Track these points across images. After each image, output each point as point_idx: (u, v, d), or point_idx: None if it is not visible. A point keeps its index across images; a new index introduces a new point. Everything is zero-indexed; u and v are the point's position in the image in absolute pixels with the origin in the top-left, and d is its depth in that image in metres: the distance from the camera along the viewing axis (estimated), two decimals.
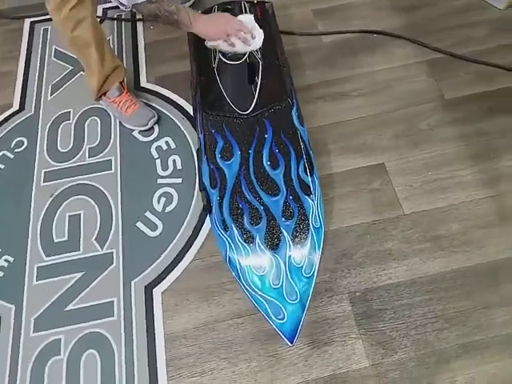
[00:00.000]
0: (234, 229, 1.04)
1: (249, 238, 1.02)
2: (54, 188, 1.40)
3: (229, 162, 1.11)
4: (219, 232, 1.04)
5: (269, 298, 0.97)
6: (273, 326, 0.95)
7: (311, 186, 1.07)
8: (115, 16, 1.76)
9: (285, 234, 1.02)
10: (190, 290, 1.22)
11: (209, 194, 1.09)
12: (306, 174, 1.08)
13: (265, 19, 1.30)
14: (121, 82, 1.45)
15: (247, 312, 1.18)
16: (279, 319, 0.95)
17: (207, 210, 1.09)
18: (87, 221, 1.33)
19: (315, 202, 1.05)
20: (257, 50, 1.21)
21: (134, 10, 1.11)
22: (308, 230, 1.02)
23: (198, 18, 1.11)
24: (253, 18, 1.14)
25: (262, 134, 1.12)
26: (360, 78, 1.50)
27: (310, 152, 1.12)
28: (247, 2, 1.34)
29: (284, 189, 1.06)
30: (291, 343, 0.93)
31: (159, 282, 1.24)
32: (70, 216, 1.35)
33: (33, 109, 1.56)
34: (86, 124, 1.51)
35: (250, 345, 1.14)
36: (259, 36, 1.13)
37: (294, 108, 1.17)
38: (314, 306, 1.15)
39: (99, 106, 1.53)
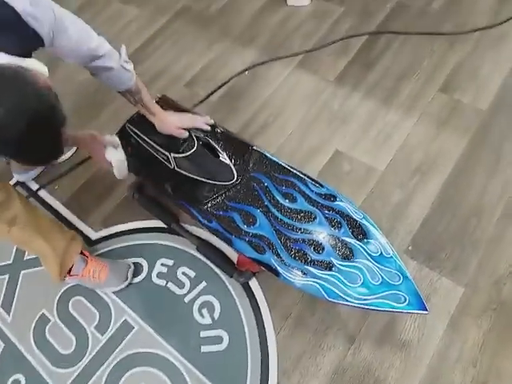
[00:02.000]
0: (310, 268, 1.07)
1: (328, 266, 1.07)
2: None
3: (257, 224, 1.14)
4: (301, 281, 1.06)
5: (382, 294, 1.03)
6: (404, 311, 1.01)
7: (330, 193, 1.17)
8: None
9: (348, 240, 1.10)
10: (298, 358, 1.20)
11: (264, 260, 1.10)
12: (318, 187, 1.18)
13: (170, 105, 1.36)
14: (82, 251, 1.34)
15: (355, 332, 1.21)
16: (403, 303, 1.02)
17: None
18: None
19: (344, 202, 1.16)
20: (198, 131, 1.27)
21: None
22: (359, 224, 1.12)
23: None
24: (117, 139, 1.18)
25: (262, 185, 1.19)
26: (264, 107, 1.68)
27: (302, 171, 1.22)
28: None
29: (316, 209, 1.15)
30: (427, 311, 1.01)
31: (267, 377, 1.18)
32: None
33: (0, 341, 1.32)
34: (72, 310, 1.35)
35: (381, 353, 1.18)
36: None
37: (262, 150, 1.26)
38: None
39: (68, 284, 1.38)
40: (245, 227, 1.14)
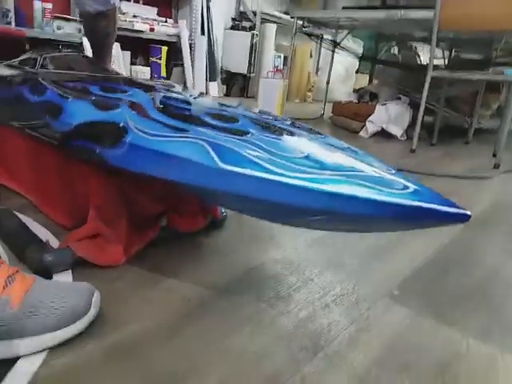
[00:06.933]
0: (199, 128, 0.53)
1: (239, 132, 0.53)
2: None
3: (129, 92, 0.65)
4: (167, 139, 0.50)
5: (353, 173, 0.46)
6: (409, 203, 0.42)
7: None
8: None
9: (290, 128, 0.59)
10: None
11: (108, 120, 0.56)
12: None
13: None
14: None
15: None
16: (402, 190, 0.44)
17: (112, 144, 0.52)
18: None
19: None
20: None
21: None
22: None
23: None
24: None
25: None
26: None
27: None
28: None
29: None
30: (468, 215, 0.42)
31: None
32: None
33: None
34: None
35: None
36: None
37: None
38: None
39: None
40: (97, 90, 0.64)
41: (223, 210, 0.89)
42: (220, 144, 0.47)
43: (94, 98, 0.61)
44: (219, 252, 0.81)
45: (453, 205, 0.41)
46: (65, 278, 0.65)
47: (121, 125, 0.53)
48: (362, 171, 0.45)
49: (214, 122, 0.54)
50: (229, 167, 0.44)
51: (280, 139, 0.51)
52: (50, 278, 0.63)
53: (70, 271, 0.66)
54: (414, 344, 0.59)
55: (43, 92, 0.68)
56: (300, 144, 0.51)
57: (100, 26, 0.96)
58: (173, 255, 0.75)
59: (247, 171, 0.43)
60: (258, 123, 0.56)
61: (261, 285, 0.70)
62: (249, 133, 0.52)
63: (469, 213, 0.40)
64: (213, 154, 0.46)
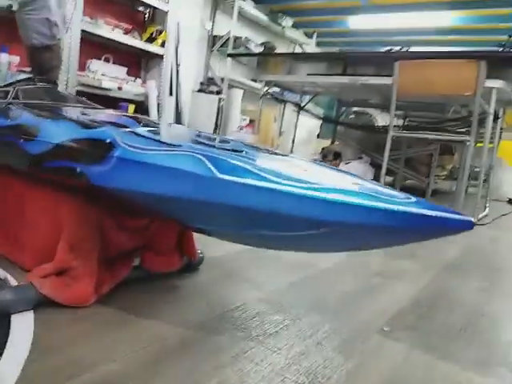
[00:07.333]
0: (191, 144, 0.51)
1: (233, 150, 0.52)
2: None
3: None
4: (160, 153, 0.48)
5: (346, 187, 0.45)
6: (409, 210, 0.42)
7: None
8: None
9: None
10: None
11: (93, 136, 0.53)
12: None
13: None
14: None
15: None
16: (403, 199, 0.44)
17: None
18: None
19: None
20: None
21: None
22: None
23: None
24: None
25: None
26: None
27: None
28: None
29: None
30: (471, 222, 0.42)
31: None
32: None
33: None
34: None
35: None
36: None
37: None
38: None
39: None
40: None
41: (200, 251, 0.85)
42: (216, 157, 0.45)
43: (75, 119, 0.59)
44: (196, 292, 0.76)
45: (456, 213, 0.41)
46: (25, 318, 0.57)
47: (107, 141, 0.51)
48: (364, 184, 0.44)
49: (206, 141, 0.53)
50: (227, 177, 0.42)
51: (275, 157, 0.50)
52: (8, 317, 0.55)
53: (31, 311, 0.58)
54: (415, 378, 0.56)
55: (17, 116, 0.64)
56: (296, 161, 0.50)
57: (45, 59, 1.03)
58: (146, 296, 0.69)
59: (247, 180, 0.42)
60: (248, 145, 0.55)
61: (246, 323, 0.65)
62: (242, 151, 0.50)
63: (473, 219, 0.40)
64: (209, 165, 0.44)
